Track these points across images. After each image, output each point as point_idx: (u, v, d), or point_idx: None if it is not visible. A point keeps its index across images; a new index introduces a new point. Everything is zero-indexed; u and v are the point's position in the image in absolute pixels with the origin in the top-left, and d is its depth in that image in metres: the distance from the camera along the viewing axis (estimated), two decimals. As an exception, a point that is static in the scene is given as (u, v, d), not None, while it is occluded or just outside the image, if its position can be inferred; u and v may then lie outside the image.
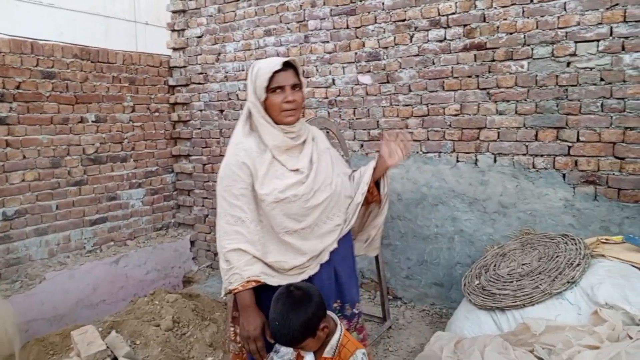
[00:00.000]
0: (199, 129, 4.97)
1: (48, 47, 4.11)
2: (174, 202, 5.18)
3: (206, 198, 5.00)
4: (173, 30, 5.05)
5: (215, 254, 5.00)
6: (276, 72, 1.79)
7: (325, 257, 1.93)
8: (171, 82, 5.05)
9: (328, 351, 1.66)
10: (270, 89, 1.79)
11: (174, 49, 5.06)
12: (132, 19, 8.84)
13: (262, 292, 1.82)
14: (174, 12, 5.01)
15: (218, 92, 4.79)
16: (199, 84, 4.92)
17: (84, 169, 4.35)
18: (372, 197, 2.08)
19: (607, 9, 2.95)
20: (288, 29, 4.27)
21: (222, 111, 4.79)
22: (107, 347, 2.69)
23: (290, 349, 1.72)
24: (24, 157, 3.95)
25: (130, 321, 3.11)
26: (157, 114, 4.96)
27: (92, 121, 4.40)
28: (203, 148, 4.97)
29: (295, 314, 1.58)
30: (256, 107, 1.84)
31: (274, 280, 1.82)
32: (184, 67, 5.01)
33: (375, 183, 2.07)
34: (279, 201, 1.81)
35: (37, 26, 6.78)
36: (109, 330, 2.97)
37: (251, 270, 1.78)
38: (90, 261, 4.18)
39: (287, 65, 1.83)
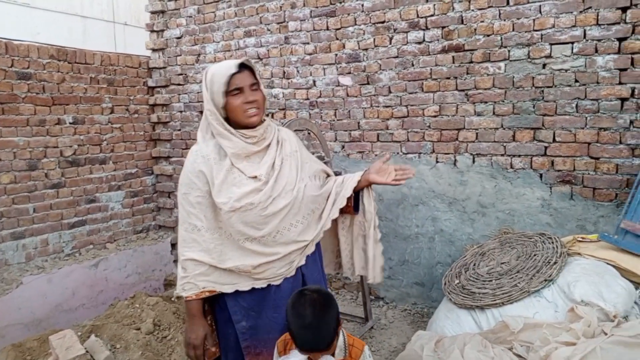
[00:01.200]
0: (179, 130, 4.93)
1: (23, 48, 4.03)
2: (154, 205, 5.13)
3: (187, 200, 4.95)
4: (152, 31, 5.00)
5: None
6: (232, 74, 1.76)
7: (291, 272, 1.92)
8: (150, 83, 5.00)
9: (338, 353, 1.66)
10: (229, 92, 1.77)
11: (153, 50, 5.01)
12: (111, 19, 8.74)
13: (212, 298, 1.90)
14: (153, 12, 4.97)
15: (198, 93, 4.76)
16: (179, 85, 4.89)
17: (61, 172, 4.28)
18: (346, 208, 2.04)
19: (581, 12, 3.02)
20: (268, 30, 4.27)
21: (202, 112, 4.74)
22: (87, 352, 2.65)
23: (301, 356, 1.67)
24: (0, 159, 3.87)
25: (110, 325, 3.07)
26: (136, 115, 4.91)
27: (70, 123, 4.33)
28: (183, 149, 4.93)
29: (330, 316, 1.59)
30: (214, 114, 1.81)
31: (229, 287, 1.85)
32: (164, 68, 4.96)
33: (355, 194, 2.06)
34: (235, 210, 1.77)
35: (13, 26, 6.65)
36: (88, 334, 2.93)
37: (206, 282, 1.83)
38: (68, 265, 4.11)
39: (243, 67, 1.80)
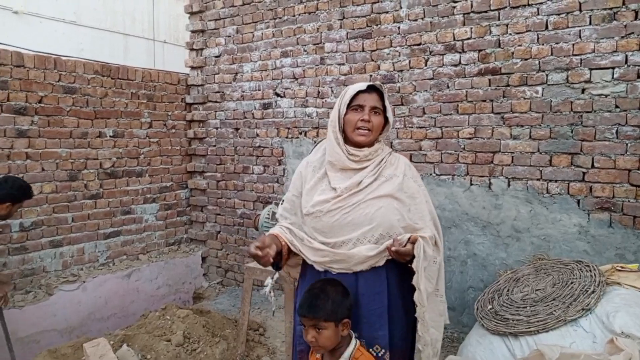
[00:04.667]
0: (214, 146, 5.04)
1: (70, 63, 4.22)
2: (186, 218, 5.23)
3: (219, 214, 5.04)
4: (192, 50, 5.16)
5: (226, 271, 5.02)
6: (360, 92, 1.91)
7: (356, 266, 1.88)
8: (188, 99, 5.14)
9: None
10: (351, 106, 1.92)
11: (192, 68, 5.16)
12: (151, 37, 9.03)
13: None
14: (193, 31, 5.13)
15: (234, 110, 4.87)
16: (216, 102, 5.00)
17: (100, 183, 4.42)
18: None
19: (622, 37, 2.98)
20: (304, 50, 4.35)
21: (237, 129, 4.85)
22: (118, 361, 2.70)
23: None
24: (43, 169, 4.03)
25: (141, 335, 3.12)
26: (173, 130, 5.04)
27: (110, 136, 4.48)
28: (217, 165, 5.03)
29: (333, 288, 1.75)
30: (333, 123, 1.96)
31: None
32: (202, 85, 5.10)
33: None
34: (308, 214, 1.93)
35: (60, 42, 6.95)
36: (120, 343, 2.99)
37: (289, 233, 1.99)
38: (102, 274, 4.22)
39: (373, 89, 1.93)
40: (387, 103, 1.96)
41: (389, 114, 1.98)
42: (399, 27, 3.80)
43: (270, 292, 2.32)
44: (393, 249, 1.79)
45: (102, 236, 4.45)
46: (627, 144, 3.01)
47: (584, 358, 2.10)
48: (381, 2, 3.87)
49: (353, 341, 1.76)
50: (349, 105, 1.93)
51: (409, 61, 3.78)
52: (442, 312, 2.00)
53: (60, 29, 7.34)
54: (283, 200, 2.22)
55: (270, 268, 2.04)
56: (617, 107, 3.03)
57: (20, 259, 3.86)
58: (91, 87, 4.34)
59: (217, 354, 3.06)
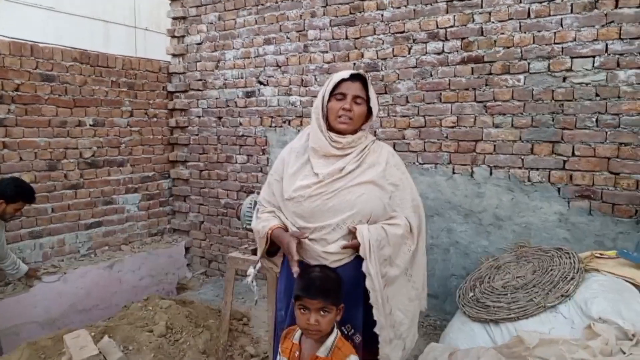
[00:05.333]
0: (197, 135, 4.98)
1: (48, 50, 4.12)
2: (169, 208, 5.18)
3: (202, 204, 5.00)
4: (173, 37, 5.07)
5: (210, 261, 5.00)
6: (344, 80, 1.92)
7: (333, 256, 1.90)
8: (170, 88, 5.06)
9: (322, 351, 1.69)
10: (334, 94, 1.93)
11: (174, 55, 5.08)
12: (132, 24, 8.87)
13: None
14: (174, 18, 5.04)
15: (216, 99, 4.81)
16: (198, 90, 4.94)
17: (80, 173, 4.34)
18: None
19: (603, 25, 3.00)
20: (288, 38, 4.30)
21: (220, 118, 4.80)
22: (100, 352, 2.67)
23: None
24: (21, 159, 3.94)
25: (123, 326, 3.09)
26: (155, 119, 4.97)
27: (90, 125, 4.40)
28: (200, 154, 4.97)
29: (331, 272, 1.78)
30: (317, 110, 1.97)
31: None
32: (183, 73, 5.02)
33: None
34: (290, 199, 1.94)
35: (37, 29, 6.79)
36: (101, 335, 2.95)
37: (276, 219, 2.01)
38: (84, 265, 4.17)
39: (357, 78, 1.93)
40: (370, 92, 1.96)
41: (373, 104, 1.97)
42: (382, 15, 3.77)
43: (252, 281, 2.31)
44: (341, 245, 1.86)
45: (83, 227, 4.39)
46: (606, 133, 3.04)
47: (562, 344, 2.14)
48: (364, -11, 3.84)
49: (335, 330, 1.76)
50: (332, 93, 1.93)
51: (393, 49, 3.76)
52: (413, 297, 2.03)
53: (39, 15, 7.16)
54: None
55: (253, 257, 2.04)
56: (597, 95, 3.06)
57: (-1, 251, 3.79)
58: (70, 75, 4.25)
59: (200, 344, 3.05)
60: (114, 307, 4.14)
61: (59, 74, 4.16)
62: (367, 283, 1.85)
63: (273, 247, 2.03)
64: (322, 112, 1.97)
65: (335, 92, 1.93)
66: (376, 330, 1.90)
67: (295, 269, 1.80)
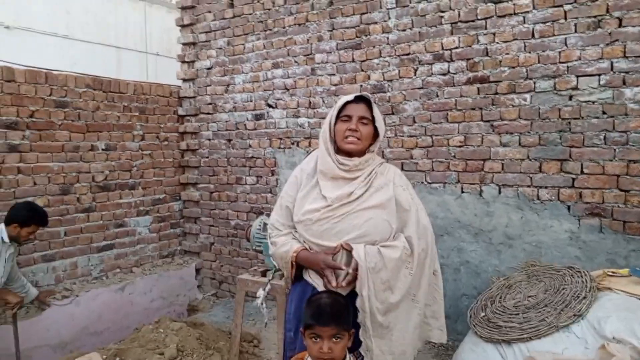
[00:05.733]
0: (207, 157, 5.04)
1: (62, 77, 4.23)
2: (180, 230, 5.22)
3: (212, 226, 5.03)
4: (183, 62, 5.18)
5: (220, 282, 5.00)
6: (349, 102, 1.97)
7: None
8: (181, 111, 5.15)
9: None
10: (340, 117, 1.98)
11: (184, 80, 5.18)
12: (144, 50, 9.06)
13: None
14: (184, 44, 5.15)
15: (226, 122, 4.88)
16: (208, 114, 5.02)
17: (92, 196, 4.41)
18: None
19: (607, 44, 3.02)
20: (295, 61, 4.37)
21: (229, 140, 4.87)
22: (111, 376, 2.69)
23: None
24: (35, 183, 4.02)
25: (134, 349, 3.10)
26: (166, 142, 5.05)
27: (102, 149, 4.48)
28: (210, 176, 5.03)
29: (339, 297, 1.78)
30: (324, 133, 2.02)
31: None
32: (194, 97, 5.11)
33: None
34: (299, 222, 1.99)
35: (52, 57, 6.96)
36: (113, 358, 2.97)
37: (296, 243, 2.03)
38: (96, 288, 4.20)
39: (362, 100, 1.99)
40: (375, 113, 2.00)
41: (379, 124, 2.01)
42: (387, 38, 3.84)
43: (262, 303, 2.33)
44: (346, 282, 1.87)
45: (95, 249, 4.43)
46: (615, 150, 3.04)
47: (575, 364, 2.11)
48: (370, 12, 3.91)
49: (348, 356, 1.75)
50: (338, 116, 1.99)
51: (399, 71, 3.81)
52: (417, 324, 1.98)
53: (52, 43, 7.35)
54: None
55: (262, 279, 2.06)
56: (604, 113, 3.06)
57: (13, 275, 3.83)
58: (83, 101, 4.34)
59: (211, 367, 3.05)
60: (125, 330, 4.15)
61: (72, 100, 4.26)
62: (357, 302, 1.85)
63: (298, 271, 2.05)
64: (330, 135, 2.01)
65: (341, 115, 1.99)
66: (362, 350, 1.89)
67: (340, 280, 1.86)
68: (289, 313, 2.11)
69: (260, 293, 2.49)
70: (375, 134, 2.04)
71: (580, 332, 2.34)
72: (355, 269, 1.85)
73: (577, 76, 3.13)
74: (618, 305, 2.38)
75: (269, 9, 4.49)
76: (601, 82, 3.07)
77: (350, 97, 1.99)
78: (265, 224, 2.95)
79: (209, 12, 4.93)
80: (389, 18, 3.82)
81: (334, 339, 1.65)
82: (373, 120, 2.01)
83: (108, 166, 4.52)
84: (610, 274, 2.70)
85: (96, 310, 4.12)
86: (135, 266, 4.72)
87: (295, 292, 2.07)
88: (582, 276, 2.66)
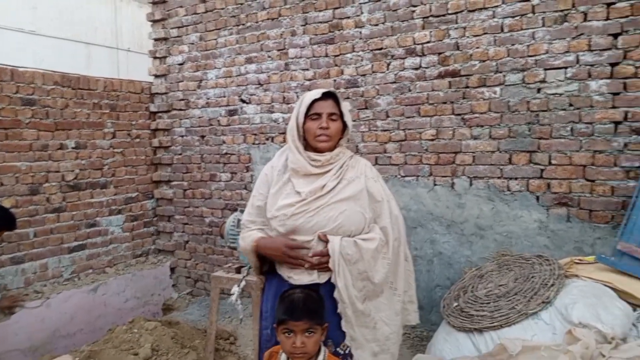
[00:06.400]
0: (180, 154, 4.98)
1: (28, 74, 4.11)
2: (154, 229, 5.15)
3: (187, 224, 4.98)
4: (155, 58, 5.10)
5: (196, 281, 4.96)
6: (316, 100, 1.97)
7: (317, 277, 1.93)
8: (152, 108, 5.07)
9: None
10: (308, 115, 1.97)
11: (156, 76, 5.10)
12: (114, 45, 8.90)
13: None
14: (156, 39, 5.07)
15: (199, 118, 4.83)
16: (181, 110, 4.96)
17: (63, 196, 4.31)
18: None
19: (573, 38, 3.09)
20: (269, 56, 4.35)
21: (203, 137, 4.82)
22: (84, 377, 2.64)
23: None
24: (2, 184, 3.90)
25: (108, 350, 3.06)
26: (138, 140, 4.97)
27: (72, 148, 4.39)
28: (184, 174, 4.97)
29: (312, 292, 1.80)
30: (292, 131, 2.02)
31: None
32: (166, 93, 5.04)
33: None
34: (273, 218, 1.98)
35: (19, 53, 6.78)
36: (86, 359, 2.92)
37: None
38: (67, 289, 4.11)
39: (328, 96, 1.99)
40: (343, 108, 2.01)
41: (346, 118, 2.03)
42: (360, 32, 3.85)
43: (237, 300, 2.32)
44: (306, 266, 1.90)
45: (67, 250, 4.34)
46: (581, 141, 3.12)
47: (544, 350, 2.17)
48: (342, 7, 3.92)
49: (322, 348, 1.76)
50: (307, 114, 1.98)
51: (372, 65, 3.83)
52: (399, 311, 2.03)
53: (18, 39, 7.15)
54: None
55: (237, 275, 2.06)
56: (570, 105, 3.14)
57: (-21, 278, 3.74)
58: (51, 99, 4.24)
59: (186, 365, 3.03)
60: (99, 331, 4.08)
61: (40, 98, 4.15)
62: (335, 294, 1.87)
63: (266, 264, 2.05)
64: (298, 133, 2.01)
65: (309, 113, 1.98)
66: (347, 342, 1.91)
67: (309, 259, 1.88)
68: (265, 311, 2.11)
69: (235, 290, 2.49)
70: (344, 128, 2.05)
71: (549, 318, 2.41)
72: (327, 253, 1.88)
73: (545, 69, 3.20)
74: (584, 291, 2.45)
75: (241, 4, 4.45)
76: (568, 75, 3.14)
77: (318, 94, 1.99)
78: (239, 220, 2.93)
79: (181, 7, 4.86)
80: (362, 13, 3.83)
81: (306, 334, 1.66)
82: (341, 115, 2.02)
83: (78, 165, 4.43)
84: (577, 261, 2.78)
85: (68, 312, 4.04)
86: (108, 266, 4.64)
87: (270, 290, 2.07)
88: (550, 264, 2.73)
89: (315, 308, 1.73)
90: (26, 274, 4.03)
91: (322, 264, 1.89)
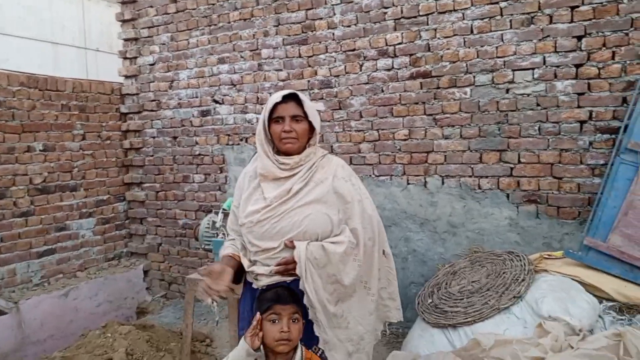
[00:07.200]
0: (152, 156, 4.92)
1: (-7, 75, 4.00)
2: (126, 231, 5.06)
3: (159, 226, 4.92)
4: (125, 58, 5.02)
5: (170, 284, 4.91)
6: (278, 103, 1.93)
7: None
8: (123, 109, 4.99)
9: None
10: (272, 119, 1.95)
11: (126, 77, 5.02)
12: (82, 45, 8.69)
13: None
14: (125, 39, 4.99)
15: (171, 119, 4.78)
16: (152, 111, 4.89)
17: (30, 199, 4.20)
18: None
19: (540, 39, 3.18)
20: (242, 57, 4.34)
21: (175, 137, 4.77)
22: (56, 384, 2.59)
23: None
24: (-34, 188, 3.79)
25: (81, 356, 3.00)
26: (108, 141, 4.88)
27: (40, 150, 4.28)
28: (156, 175, 4.91)
29: (294, 290, 1.81)
30: (260, 136, 2.00)
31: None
32: (137, 94, 4.97)
33: None
34: (242, 225, 1.99)
35: (-19, 53, 6.56)
36: (57, 366, 2.86)
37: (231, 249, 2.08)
38: (37, 295, 4.00)
39: (290, 98, 1.95)
40: (306, 108, 1.96)
41: (312, 119, 1.97)
42: (333, 34, 3.87)
43: (213, 302, 2.31)
44: (275, 269, 1.90)
45: (35, 255, 4.23)
46: (548, 140, 3.21)
47: (516, 343, 2.23)
48: (315, 8, 3.93)
49: (299, 345, 1.76)
50: (271, 118, 1.96)
51: (345, 66, 3.86)
52: (372, 310, 2.03)
53: (-19, 38, 6.93)
54: (224, 209, 2.24)
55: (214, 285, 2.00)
56: (538, 105, 3.23)
57: (-57, 285, 3.62)
58: (17, 100, 4.12)
59: (162, 369, 3.00)
60: (70, 337, 3.99)
61: (5, 99, 4.04)
62: (305, 300, 1.85)
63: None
64: (266, 137, 2.00)
65: (273, 117, 1.95)
66: (321, 345, 1.90)
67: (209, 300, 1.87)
68: (242, 312, 2.11)
69: (211, 292, 2.47)
70: (312, 127, 2.01)
71: (520, 312, 2.48)
72: (292, 260, 1.88)
73: (513, 70, 3.28)
74: (553, 285, 2.53)
75: (213, 4, 4.43)
76: (535, 76, 3.23)
77: (278, 97, 1.94)
78: (214, 222, 2.92)
79: (151, 6, 4.80)
80: (334, 14, 3.86)
81: (291, 321, 1.66)
82: (306, 115, 1.98)
83: (47, 168, 4.32)
84: (546, 256, 2.87)
85: (38, 318, 3.93)
86: (79, 270, 4.54)
87: (247, 292, 2.07)
88: (520, 260, 2.81)
89: (298, 297, 1.75)
90: (-8, 281, 3.91)
91: (289, 270, 1.89)
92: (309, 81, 4.02)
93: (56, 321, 4.06)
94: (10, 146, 4.07)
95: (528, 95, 3.26)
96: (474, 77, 3.41)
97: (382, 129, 3.74)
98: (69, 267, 4.48)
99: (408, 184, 3.67)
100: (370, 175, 3.80)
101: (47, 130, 4.34)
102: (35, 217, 4.23)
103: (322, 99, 3.96)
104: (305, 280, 1.85)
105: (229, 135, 4.46)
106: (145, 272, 4.97)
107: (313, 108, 1.99)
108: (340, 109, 3.90)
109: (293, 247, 1.88)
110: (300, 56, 4.05)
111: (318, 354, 1.88)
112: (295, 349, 1.73)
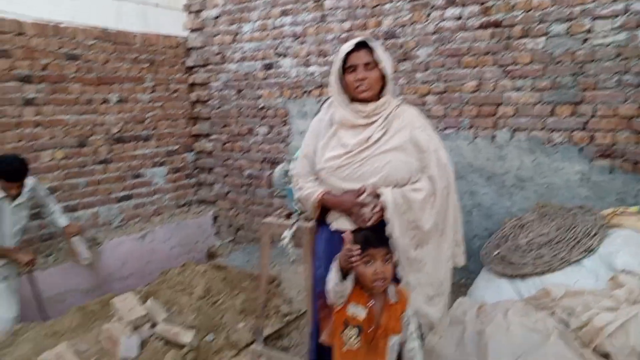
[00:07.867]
0: (218, 108, 5.07)
1: (70, 30, 4.19)
2: (195, 180, 5.32)
3: (227, 176, 5.13)
4: (190, 12, 5.11)
5: (237, 230, 5.16)
6: (350, 52, 1.97)
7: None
8: (189, 63, 5.13)
9: (392, 296, 1.77)
10: (345, 69, 2.00)
11: (191, 30, 5.13)
12: (142, 1, 8.83)
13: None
14: (190, -7, 5.06)
15: (235, 72, 4.88)
16: (217, 64, 5.00)
17: (108, 148, 4.47)
18: None
19: (624, -15, 3.01)
20: (304, 8, 4.33)
21: (240, 91, 4.88)
22: (147, 313, 2.85)
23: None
24: (52, 137, 4.07)
25: (164, 290, 3.27)
26: (176, 94, 5.06)
27: (115, 102, 4.51)
28: (222, 127, 5.08)
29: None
30: (333, 87, 2.06)
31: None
32: (201, 47, 5.08)
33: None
34: (322, 169, 2.09)
35: (52, 6, 6.80)
36: (144, 298, 3.13)
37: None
38: (118, 236, 4.34)
39: (361, 45, 1.98)
40: (377, 55, 1.98)
41: (383, 65, 1.99)
42: (400, -18, 3.79)
43: (289, 243, 2.48)
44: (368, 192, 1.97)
45: (115, 200, 4.55)
46: (627, 92, 3.09)
47: (587, 294, 2.26)
48: (382, -44, 3.85)
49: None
50: (344, 68, 2.01)
51: (411, 16, 3.79)
52: (449, 256, 2.12)
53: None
54: (295, 158, 2.34)
55: (287, 222, 2.18)
56: (618, 56, 3.09)
57: (38, 225, 3.96)
58: (92, 54, 4.33)
59: (237, 305, 3.23)
60: (148, 276, 4.33)
61: (82, 53, 4.25)
62: (391, 242, 1.92)
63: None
64: (341, 86, 2.05)
65: (346, 66, 2.00)
66: (403, 286, 1.99)
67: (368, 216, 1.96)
68: (318, 252, 2.24)
69: (287, 234, 2.63)
70: (384, 76, 2.03)
71: (592, 266, 2.48)
72: (381, 207, 1.96)
73: (592, 19, 3.14)
74: (628, 240, 2.51)
75: (277, -46, 4.40)
76: (615, 25, 3.08)
77: (350, 46, 1.97)
78: (286, 171, 3.04)
79: (215, -42, 4.82)
80: (402, -39, 3.77)
81: (385, 261, 1.72)
82: (377, 63, 1.99)
83: (122, 118, 4.57)
84: (619, 212, 2.82)
85: (120, 258, 4.28)
86: (153, 215, 4.86)
87: (323, 234, 2.19)
88: (592, 215, 2.78)
89: (386, 238, 1.82)
90: (79, 221, 4.24)
91: (378, 217, 1.99)
92: (373, 32, 3.98)
93: (136, 261, 4.41)
94: (88, 98, 4.31)
95: (607, 45, 3.12)
96: (549, 27, 3.28)
97: (449, 81, 3.70)
98: (144, 211, 4.80)
99: (475, 137, 3.65)
100: (435, 128, 3.77)
101: (121, 82, 4.55)
102: (113, 164, 4.52)
103: (386, 50, 3.92)
104: (393, 226, 1.95)
105: (291, 88, 4.52)
106: (215, 219, 5.25)
107: (384, 54, 2.01)
108: (405, 60, 3.87)
109: (377, 195, 1.96)
110: (364, 6, 4.00)
111: None
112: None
